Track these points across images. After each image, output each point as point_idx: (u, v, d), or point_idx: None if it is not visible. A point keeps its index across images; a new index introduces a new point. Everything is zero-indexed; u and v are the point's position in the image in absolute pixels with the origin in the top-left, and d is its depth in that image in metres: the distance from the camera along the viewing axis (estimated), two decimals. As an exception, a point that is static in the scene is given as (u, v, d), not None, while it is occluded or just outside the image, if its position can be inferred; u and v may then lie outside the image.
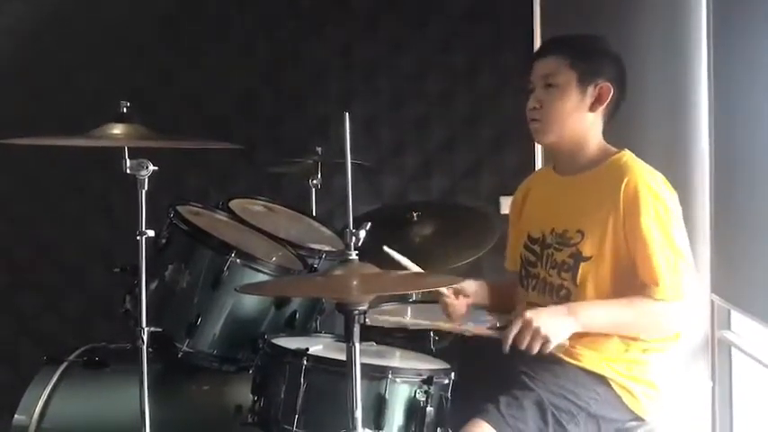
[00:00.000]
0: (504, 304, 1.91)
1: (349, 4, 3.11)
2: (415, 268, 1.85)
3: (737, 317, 2.50)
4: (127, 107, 1.80)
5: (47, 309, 3.16)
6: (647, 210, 1.64)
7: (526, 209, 1.92)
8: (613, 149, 1.78)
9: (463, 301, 1.85)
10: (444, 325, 1.81)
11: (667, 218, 1.65)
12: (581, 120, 1.75)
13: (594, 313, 1.65)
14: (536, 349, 1.59)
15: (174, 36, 3.12)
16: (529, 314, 1.61)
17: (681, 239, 1.67)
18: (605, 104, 1.75)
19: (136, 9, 3.10)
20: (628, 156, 1.75)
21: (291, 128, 3.11)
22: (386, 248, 1.81)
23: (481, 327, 1.77)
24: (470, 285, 1.86)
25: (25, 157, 2.80)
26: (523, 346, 1.59)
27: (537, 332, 1.58)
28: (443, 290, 1.82)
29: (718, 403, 2.56)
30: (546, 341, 1.58)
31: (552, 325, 1.59)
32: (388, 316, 2.03)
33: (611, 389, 1.68)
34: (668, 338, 1.74)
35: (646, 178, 1.67)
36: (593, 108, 1.75)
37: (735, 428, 2.54)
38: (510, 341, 1.60)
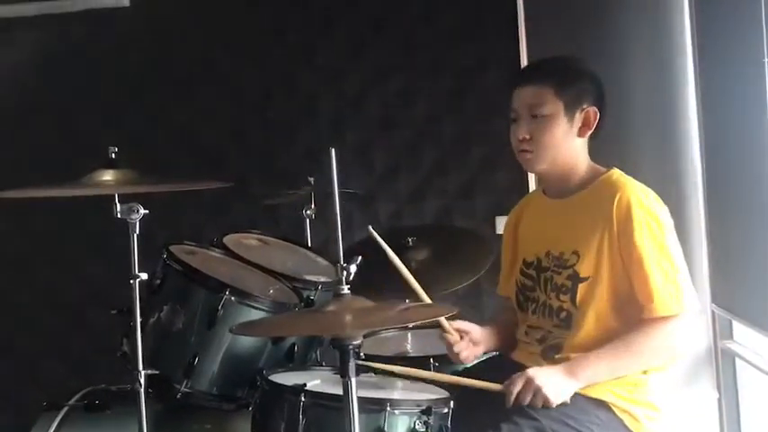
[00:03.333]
0: (513, 342, 1.87)
1: (334, 32, 3.13)
2: (396, 261, 1.80)
3: (740, 327, 2.49)
4: (115, 153, 1.81)
5: (48, 352, 3.16)
6: (641, 226, 1.65)
7: (520, 234, 1.92)
8: (602, 169, 1.79)
9: (472, 348, 1.81)
10: (444, 377, 1.78)
11: (660, 232, 1.66)
12: (571, 146, 1.75)
13: (593, 369, 1.65)
14: (539, 405, 1.61)
15: (161, 74, 3.14)
16: (531, 372, 1.63)
17: (676, 252, 1.67)
18: (593, 128, 1.75)
19: (121, 51, 3.13)
20: (617, 174, 1.76)
21: (284, 159, 3.12)
22: (371, 229, 1.74)
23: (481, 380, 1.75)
24: (477, 331, 1.82)
25: (21, 201, 2.81)
26: (525, 403, 1.61)
27: (538, 390, 1.60)
28: (447, 326, 1.79)
29: (725, 414, 2.55)
30: (546, 400, 1.61)
31: (553, 386, 1.62)
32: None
33: (613, 413, 1.67)
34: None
35: (637, 194, 1.68)
36: (581, 133, 1.76)
37: (743, 439, 2.52)
38: (513, 398, 1.62)
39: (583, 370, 1.64)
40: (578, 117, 1.74)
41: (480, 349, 1.82)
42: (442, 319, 1.79)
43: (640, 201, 1.67)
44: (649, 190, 1.72)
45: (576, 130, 1.74)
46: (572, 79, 1.75)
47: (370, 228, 1.76)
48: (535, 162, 1.75)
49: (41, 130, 3.13)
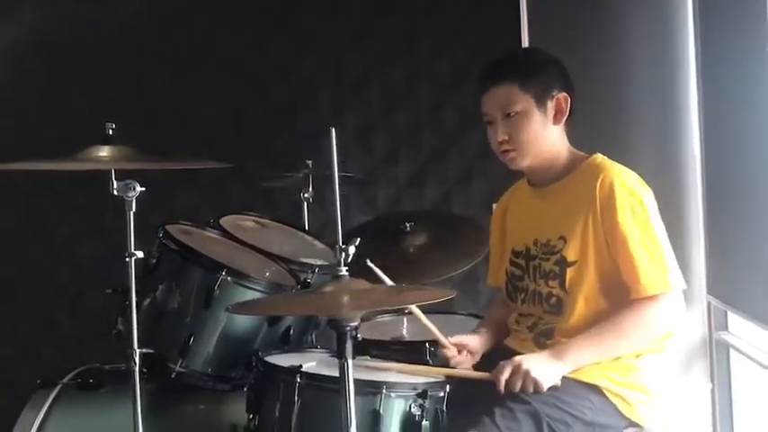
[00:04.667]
0: (507, 335, 1.88)
1: (337, 17, 3.12)
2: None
3: (735, 318, 2.50)
4: (113, 129, 1.80)
5: (42, 332, 3.15)
6: (624, 206, 1.66)
7: (508, 225, 1.93)
8: (584, 154, 1.79)
9: (470, 359, 1.81)
10: (433, 369, 1.79)
11: (644, 212, 1.67)
12: (550, 135, 1.76)
13: (581, 351, 1.65)
14: (530, 391, 1.62)
15: (162, 55, 3.12)
16: (518, 358, 1.64)
17: (660, 231, 1.68)
18: (566, 114, 1.76)
19: (122, 29, 3.10)
20: (600, 158, 1.77)
21: (282, 142, 3.10)
22: (369, 263, 1.77)
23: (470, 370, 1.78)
24: (474, 341, 1.84)
25: (15, 180, 2.80)
26: (516, 389, 1.62)
27: (527, 375, 1.61)
28: (445, 342, 1.81)
29: (718, 405, 2.56)
30: (537, 384, 1.61)
31: (542, 369, 1.62)
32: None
33: (606, 397, 1.68)
34: (660, 338, 1.73)
35: (620, 176, 1.69)
36: (556, 121, 1.76)
37: (735, 430, 2.53)
38: (503, 383, 1.62)
39: (569, 352, 1.65)
40: (550, 106, 1.74)
41: (478, 357, 1.83)
42: (441, 336, 1.81)
43: (623, 182, 1.68)
44: (632, 172, 1.72)
45: (550, 119, 1.75)
46: (534, 70, 1.75)
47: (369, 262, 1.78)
48: (519, 159, 1.76)
49: (40, 109, 3.10)
